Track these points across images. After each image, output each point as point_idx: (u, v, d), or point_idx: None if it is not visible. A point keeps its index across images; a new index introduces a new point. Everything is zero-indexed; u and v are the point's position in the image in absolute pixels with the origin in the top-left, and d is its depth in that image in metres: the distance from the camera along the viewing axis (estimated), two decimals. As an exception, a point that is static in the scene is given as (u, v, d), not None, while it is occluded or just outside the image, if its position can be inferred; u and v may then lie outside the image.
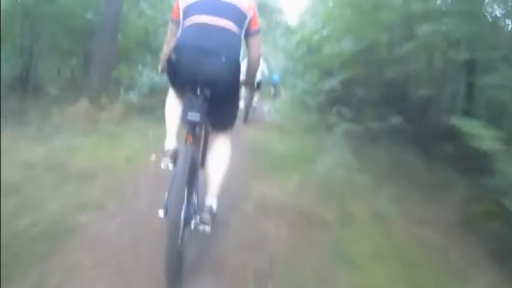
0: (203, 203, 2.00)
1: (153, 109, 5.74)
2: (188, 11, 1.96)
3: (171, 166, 1.89)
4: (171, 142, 2.01)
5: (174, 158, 1.89)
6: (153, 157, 3.89)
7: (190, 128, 1.93)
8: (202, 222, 1.87)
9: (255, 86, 5.93)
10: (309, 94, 7.04)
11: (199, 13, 1.92)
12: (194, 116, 1.87)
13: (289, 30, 9.36)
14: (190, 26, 1.92)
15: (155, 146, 4.27)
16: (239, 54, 1.94)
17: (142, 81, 5.62)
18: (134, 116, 5.23)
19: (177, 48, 1.88)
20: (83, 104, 5.12)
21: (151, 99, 5.85)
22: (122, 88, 5.29)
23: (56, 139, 4.11)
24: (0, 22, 4.73)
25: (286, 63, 10.77)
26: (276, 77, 11.97)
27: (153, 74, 5.76)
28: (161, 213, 1.80)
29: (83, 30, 5.84)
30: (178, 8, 2.03)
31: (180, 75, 1.91)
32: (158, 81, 5.74)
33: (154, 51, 6.82)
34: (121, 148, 4.02)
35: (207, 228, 1.87)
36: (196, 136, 1.97)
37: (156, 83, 5.77)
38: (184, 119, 1.90)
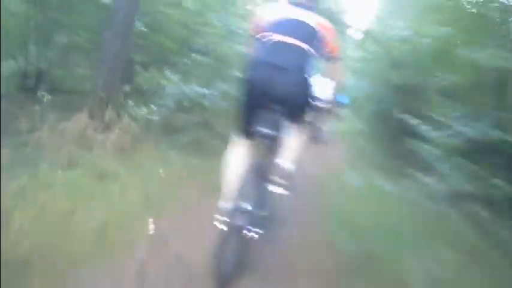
0: (277, 167, 2.04)
1: (178, 131, 4.16)
2: (267, 30, 2.05)
3: (224, 227, 1.83)
4: (229, 201, 1.91)
5: (231, 220, 1.82)
6: (151, 226, 2.25)
7: (262, 141, 1.99)
8: (277, 183, 2.02)
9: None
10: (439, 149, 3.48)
11: (275, 31, 2.02)
12: (267, 130, 1.95)
13: (367, 37, 7.29)
14: (267, 43, 2.02)
15: (161, 202, 2.64)
16: (309, 72, 1.99)
17: (169, 91, 4.05)
18: (149, 141, 3.66)
19: (253, 65, 2.04)
20: (82, 118, 3.64)
21: (177, 117, 4.27)
22: (130, 101, 3.70)
23: (20, 174, 2.60)
24: (0, 21, 3.87)
25: (358, 82, 8.42)
26: (343, 99, 9.52)
27: (182, 84, 4.17)
28: (220, 217, 1.84)
29: (97, 19, 4.42)
30: (256, 25, 2.17)
31: (255, 91, 1.99)
32: (189, 92, 4.15)
33: (197, 55, 5.23)
34: (102, 201, 2.41)
35: (285, 191, 2.04)
36: (267, 149, 2.00)
37: (185, 94, 4.18)
38: (257, 132, 1.97)
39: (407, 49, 5.30)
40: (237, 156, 2.10)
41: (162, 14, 4.96)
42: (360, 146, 6.63)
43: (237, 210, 1.82)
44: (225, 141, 2.32)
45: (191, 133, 4.15)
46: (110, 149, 3.30)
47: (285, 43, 1.98)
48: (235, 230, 1.81)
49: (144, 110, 3.67)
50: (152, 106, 3.78)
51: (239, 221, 1.81)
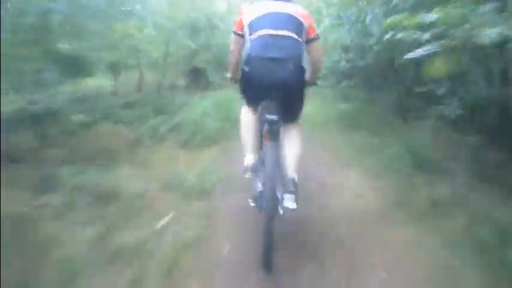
0: (287, 179, 2.25)
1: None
2: (253, 25, 2.24)
3: (252, 175, 2.32)
4: (250, 158, 2.34)
5: (255, 169, 2.30)
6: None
7: (269, 126, 2.23)
8: (288, 191, 2.15)
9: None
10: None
11: (264, 26, 2.20)
12: (272, 116, 2.19)
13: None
14: (257, 38, 2.19)
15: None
16: (302, 59, 2.23)
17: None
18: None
19: (248, 60, 2.21)
20: None
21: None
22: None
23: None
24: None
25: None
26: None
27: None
28: (252, 203, 2.23)
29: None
30: (242, 23, 2.33)
31: (255, 84, 2.24)
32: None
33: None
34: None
35: (293, 204, 2.10)
36: (275, 134, 2.25)
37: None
38: (263, 119, 2.27)
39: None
40: (248, 120, 2.39)
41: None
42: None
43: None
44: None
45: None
46: None
47: (276, 35, 2.17)
48: (275, 213, 2.05)
49: None
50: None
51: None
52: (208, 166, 3.64)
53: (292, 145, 2.37)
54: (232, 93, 5.34)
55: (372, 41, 4.65)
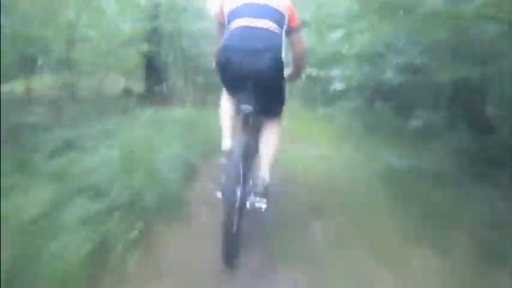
0: (257, 179, 2.17)
1: None
2: (232, 15, 2.12)
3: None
4: (227, 142, 2.16)
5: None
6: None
7: (244, 118, 2.09)
8: (257, 195, 2.10)
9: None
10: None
11: (242, 16, 2.07)
12: (247, 108, 2.05)
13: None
14: (234, 29, 2.07)
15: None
16: (281, 51, 2.06)
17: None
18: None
19: (224, 50, 2.06)
20: None
21: None
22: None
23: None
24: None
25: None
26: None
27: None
28: (219, 194, 1.95)
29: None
30: (223, 12, 2.20)
31: (230, 73, 2.10)
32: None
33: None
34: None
35: (263, 204, 2.07)
36: (250, 125, 2.12)
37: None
38: (238, 111, 2.11)
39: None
40: (226, 105, 2.25)
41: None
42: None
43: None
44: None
45: None
46: None
47: (253, 26, 2.04)
48: (235, 205, 1.85)
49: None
50: None
51: (238, 198, 1.88)
52: None
53: (267, 144, 2.27)
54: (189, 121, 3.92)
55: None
